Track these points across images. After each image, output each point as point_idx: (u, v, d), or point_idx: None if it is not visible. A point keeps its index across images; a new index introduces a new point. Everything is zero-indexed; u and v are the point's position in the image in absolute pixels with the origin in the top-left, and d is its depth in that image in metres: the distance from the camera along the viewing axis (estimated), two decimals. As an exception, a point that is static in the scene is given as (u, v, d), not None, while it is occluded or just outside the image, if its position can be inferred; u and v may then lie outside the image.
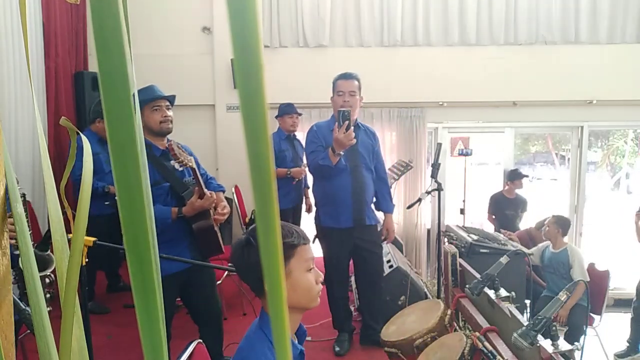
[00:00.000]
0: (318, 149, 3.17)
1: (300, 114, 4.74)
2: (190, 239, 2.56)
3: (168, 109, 2.58)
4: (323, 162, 3.06)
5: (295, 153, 4.59)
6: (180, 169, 2.44)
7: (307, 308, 1.35)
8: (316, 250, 4.93)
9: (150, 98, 2.52)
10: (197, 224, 2.52)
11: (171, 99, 2.62)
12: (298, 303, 1.30)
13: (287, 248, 1.26)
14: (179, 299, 2.82)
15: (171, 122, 2.58)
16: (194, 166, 2.45)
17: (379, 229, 3.40)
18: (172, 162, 2.41)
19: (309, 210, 4.82)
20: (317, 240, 3.41)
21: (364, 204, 3.20)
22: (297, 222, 4.65)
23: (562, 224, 4.33)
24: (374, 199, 3.34)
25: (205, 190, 2.49)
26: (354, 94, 3.15)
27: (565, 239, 4.35)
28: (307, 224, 5.40)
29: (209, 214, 2.57)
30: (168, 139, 2.61)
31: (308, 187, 4.79)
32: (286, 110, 4.59)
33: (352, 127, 2.95)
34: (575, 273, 4.17)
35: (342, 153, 3.02)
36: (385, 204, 3.37)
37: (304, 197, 4.81)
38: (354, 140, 2.96)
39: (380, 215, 3.44)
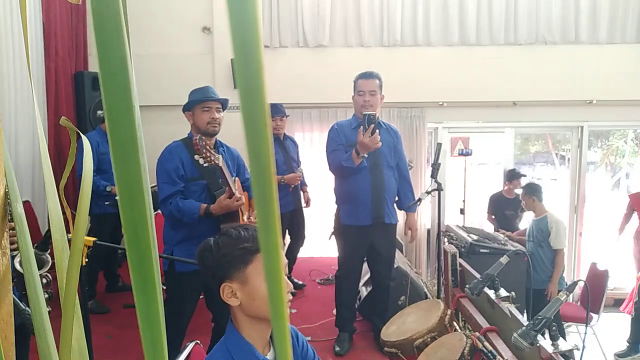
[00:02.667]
0: (338, 148, 3.18)
1: (286, 116, 4.41)
2: None
3: (218, 111, 2.67)
4: (347, 164, 3.07)
5: (287, 155, 4.32)
6: (205, 165, 2.45)
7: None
8: (326, 250, 4.85)
9: (202, 98, 2.62)
10: (224, 225, 2.54)
11: (223, 102, 2.71)
12: (258, 312, 1.20)
13: (244, 254, 1.19)
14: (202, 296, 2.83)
15: (219, 124, 2.67)
16: (221, 164, 2.46)
17: (397, 228, 3.42)
18: (196, 156, 2.42)
19: (307, 203, 4.61)
20: (333, 237, 3.45)
21: (384, 202, 3.20)
22: (299, 226, 4.47)
23: (533, 191, 4.39)
24: (397, 198, 3.34)
25: (235, 191, 2.51)
26: (374, 93, 3.16)
27: (546, 207, 4.40)
28: (319, 221, 5.38)
29: (237, 216, 2.58)
30: (200, 136, 2.63)
31: (306, 185, 4.69)
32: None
33: (374, 123, 2.95)
34: (552, 239, 4.21)
35: (366, 155, 3.03)
36: (408, 203, 3.36)
37: (302, 196, 4.58)
38: (380, 144, 2.97)
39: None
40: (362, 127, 2.96)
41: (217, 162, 2.43)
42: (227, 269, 1.21)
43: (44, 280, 2.26)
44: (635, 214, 5.03)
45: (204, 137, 2.48)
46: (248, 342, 1.21)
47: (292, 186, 4.29)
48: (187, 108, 2.69)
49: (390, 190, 3.23)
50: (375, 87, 3.17)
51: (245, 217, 2.67)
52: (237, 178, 2.73)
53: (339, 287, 3.41)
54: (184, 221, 2.53)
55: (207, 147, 2.41)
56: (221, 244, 1.22)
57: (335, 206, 3.42)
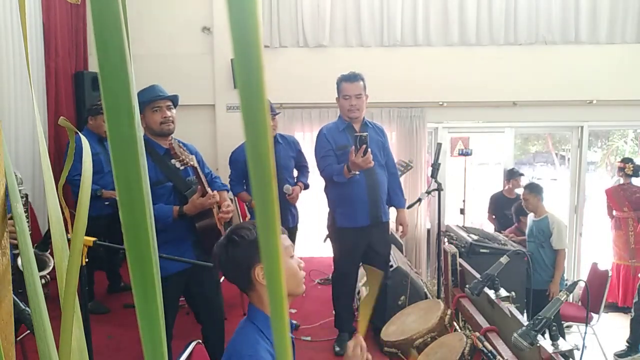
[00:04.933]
0: (328, 154, 3.19)
1: (276, 114, 4.07)
2: (194, 237, 2.55)
3: (169, 109, 2.57)
4: (338, 179, 3.08)
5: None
6: (182, 167, 2.44)
7: (295, 294, 1.42)
8: (325, 250, 4.80)
9: (149, 99, 2.51)
10: (200, 223, 2.52)
11: (173, 99, 2.60)
12: (287, 287, 1.30)
13: None
14: (183, 298, 2.82)
15: (172, 122, 2.57)
16: (196, 165, 2.45)
17: (390, 225, 3.42)
18: (173, 161, 2.41)
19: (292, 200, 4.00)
20: (328, 240, 3.43)
21: (380, 201, 3.21)
22: None
23: (536, 190, 4.42)
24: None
25: (208, 188, 2.50)
26: (360, 96, 3.16)
27: (547, 207, 4.44)
28: (316, 222, 5.35)
29: (212, 213, 2.56)
30: (173, 137, 2.62)
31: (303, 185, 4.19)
32: None
33: (366, 143, 2.93)
34: (554, 240, 4.25)
35: (357, 172, 3.02)
36: (397, 199, 3.36)
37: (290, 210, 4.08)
38: (372, 163, 2.96)
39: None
40: (353, 147, 2.94)
41: (192, 163, 2.42)
42: (256, 253, 1.33)
43: (43, 281, 2.26)
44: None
45: (177, 140, 2.46)
46: None
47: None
48: None
49: (383, 188, 3.25)
50: (361, 90, 3.16)
51: (216, 211, 2.65)
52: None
53: (336, 289, 3.40)
54: (157, 227, 2.49)
55: (183, 150, 2.39)
56: (244, 235, 1.38)
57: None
